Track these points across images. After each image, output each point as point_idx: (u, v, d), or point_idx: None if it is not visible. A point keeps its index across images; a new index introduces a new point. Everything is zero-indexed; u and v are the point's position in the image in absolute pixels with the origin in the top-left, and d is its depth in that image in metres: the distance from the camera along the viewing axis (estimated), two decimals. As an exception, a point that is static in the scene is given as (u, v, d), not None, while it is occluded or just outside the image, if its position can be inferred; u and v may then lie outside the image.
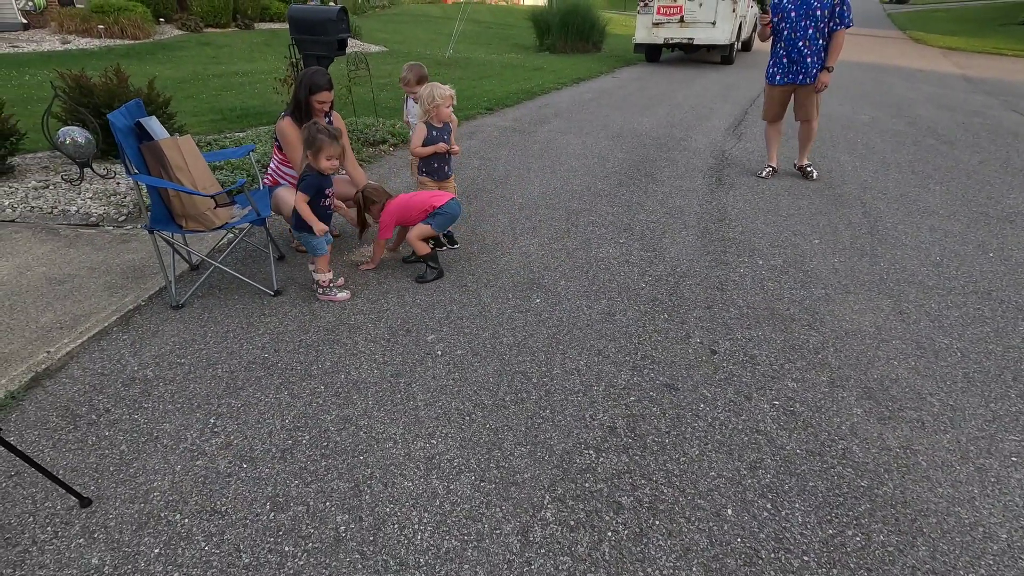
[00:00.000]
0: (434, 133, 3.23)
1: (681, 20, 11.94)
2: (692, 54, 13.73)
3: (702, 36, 11.93)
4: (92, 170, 4.40)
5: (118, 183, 4.37)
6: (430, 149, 3.25)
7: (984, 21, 22.92)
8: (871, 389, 2.28)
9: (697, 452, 1.94)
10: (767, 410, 2.15)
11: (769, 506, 1.74)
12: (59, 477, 1.67)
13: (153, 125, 2.66)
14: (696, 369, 2.39)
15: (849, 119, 7.41)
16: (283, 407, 2.14)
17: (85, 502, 1.71)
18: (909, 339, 2.63)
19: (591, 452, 1.94)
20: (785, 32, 4.52)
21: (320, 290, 2.91)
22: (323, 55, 4.94)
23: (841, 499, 1.77)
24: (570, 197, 4.49)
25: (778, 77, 4.71)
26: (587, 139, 6.25)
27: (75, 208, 3.94)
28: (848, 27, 4.38)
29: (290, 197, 3.04)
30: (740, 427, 2.06)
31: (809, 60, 4.51)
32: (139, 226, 3.73)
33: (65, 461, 1.88)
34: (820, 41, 4.45)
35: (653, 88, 9.63)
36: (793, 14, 4.43)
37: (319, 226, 2.73)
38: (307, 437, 1.99)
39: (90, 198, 4.09)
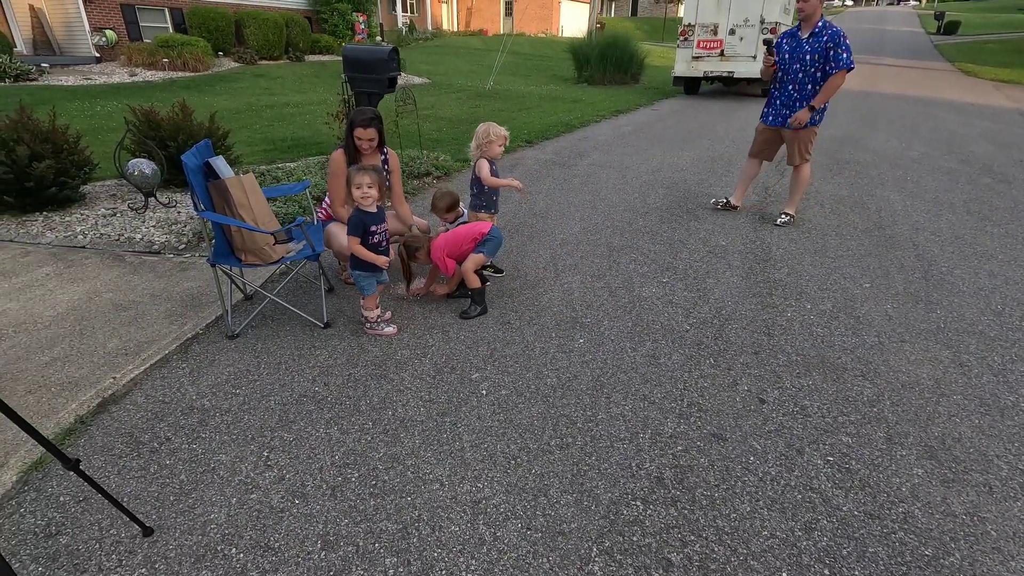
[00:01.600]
0: (495, 167, 3.37)
1: (721, 54, 12.00)
2: (731, 87, 13.72)
3: (742, 70, 11.93)
4: (156, 199, 4.66)
5: (179, 212, 4.60)
6: (505, 182, 3.37)
7: (1039, 53, 22.18)
8: (932, 448, 2.19)
9: (748, 508, 1.90)
10: (821, 466, 2.09)
11: (827, 572, 1.68)
12: (125, 506, 1.74)
13: (220, 165, 2.82)
14: (744, 419, 2.34)
15: (898, 155, 7.25)
16: (333, 443, 2.18)
17: (148, 531, 1.77)
18: (971, 395, 2.52)
19: (639, 503, 1.91)
20: (779, 74, 4.40)
21: (368, 324, 2.99)
22: (374, 92, 5.16)
23: (904, 569, 1.69)
24: (611, 233, 4.50)
25: (769, 117, 4.59)
26: (627, 174, 6.28)
27: (139, 236, 4.16)
28: (848, 69, 4.09)
29: (341, 233, 3.16)
30: (792, 483, 2.00)
31: (798, 105, 4.34)
32: (197, 255, 3.92)
33: (129, 488, 1.97)
34: (810, 87, 4.24)
35: (692, 121, 9.64)
36: (787, 56, 4.30)
37: (382, 260, 2.78)
38: (356, 475, 2.03)
39: (153, 226, 4.32)
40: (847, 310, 3.28)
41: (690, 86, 13.31)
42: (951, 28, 32.23)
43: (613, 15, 42.79)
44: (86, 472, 1.63)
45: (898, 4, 70.64)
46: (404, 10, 26.63)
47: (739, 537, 1.79)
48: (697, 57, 12.27)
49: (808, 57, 4.17)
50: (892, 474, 2.06)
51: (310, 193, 3.40)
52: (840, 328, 3.08)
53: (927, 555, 1.74)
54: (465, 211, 3.72)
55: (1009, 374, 2.67)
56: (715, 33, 11.94)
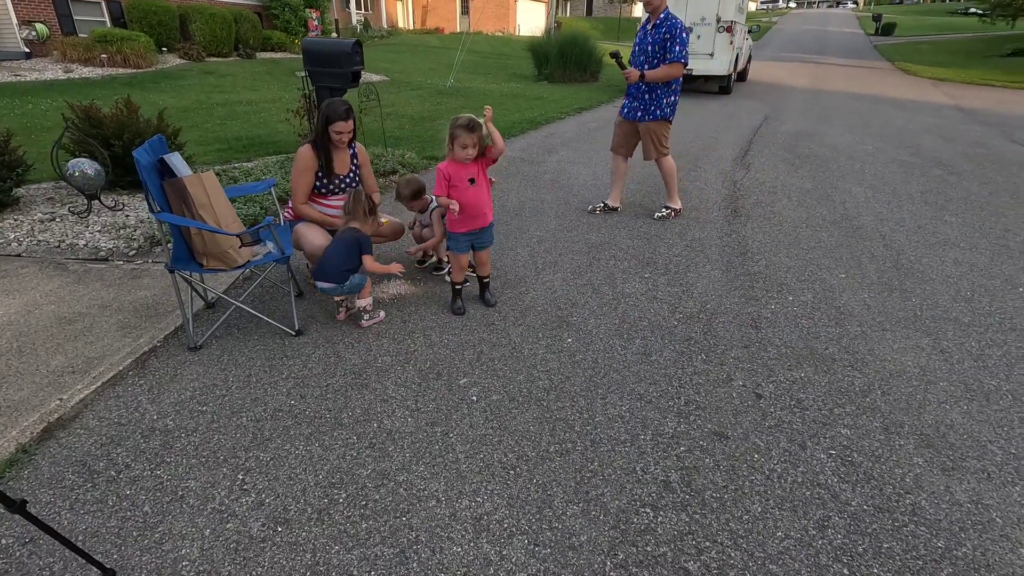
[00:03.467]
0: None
1: (680, 51, 12.15)
2: (690, 84, 13.94)
3: (701, 67, 12.11)
4: (100, 202, 4.31)
5: (127, 215, 4.27)
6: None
7: (970, 53, 23.53)
8: (928, 436, 2.19)
9: (760, 509, 1.83)
10: (825, 460, 2.05)
11: (846, 571, 1.63)
12: (79, 546, 1.54)
13: (176, 161, 2.58)
14: (744, 415, 2.29)
15: (853, 149, 7.48)
16: (315, 461, 2.01)
17: (108, 573, 1.57)
18: (956, 381, 2.55)
19: (648, 510, 1.83)
20: (631, 66, 4.32)
21: (366, 316, 2.92)
22: (336, 87, 4.93)
23: (921, 563, 1.66)
24: (587, 229, 4.43)
25: (625, 110, 4.53)
26: (596, 169, 6.24)
27: (83, 242, 3.83)
28: (682, 63, 4.07)
29: (311, 233, 2.97)
30: (800, 480, 1.96)
31: (647, 97, 4.31)
32: (151, 261, 3.63)
33: (84, 525, 1.75)
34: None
35: (655, 118, 9.71)
36: (636, 48, 4.33)
37: (396, 267, 2.90)
38: (344, 495, 1.87)
39: (99, 231, 3.99)
40: (827, 300, 3.30)
41: (650, 84, 13.45)
42: (888, 29, 33.84)
43: (569, 15, 43.11)
44: (33, 512, 1.42)
45: (837, 7, 73.89)
46: (358, 7, 26.04)
47: (754, 540, 1.72)
48: (656, 55, 12.39)
49: (650, 48, 4.17)
50: (894, 465, 2.04)
51: (275, 192, 3.17)
52: (823, 319, 3.09)
53: (940, 547, 1.72)
54: (434, 199, 3.52)
55: (987, 359, 2.72)
56: (673, 31, 12.08)
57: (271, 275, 3.37)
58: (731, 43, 11.81)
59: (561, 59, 15.11)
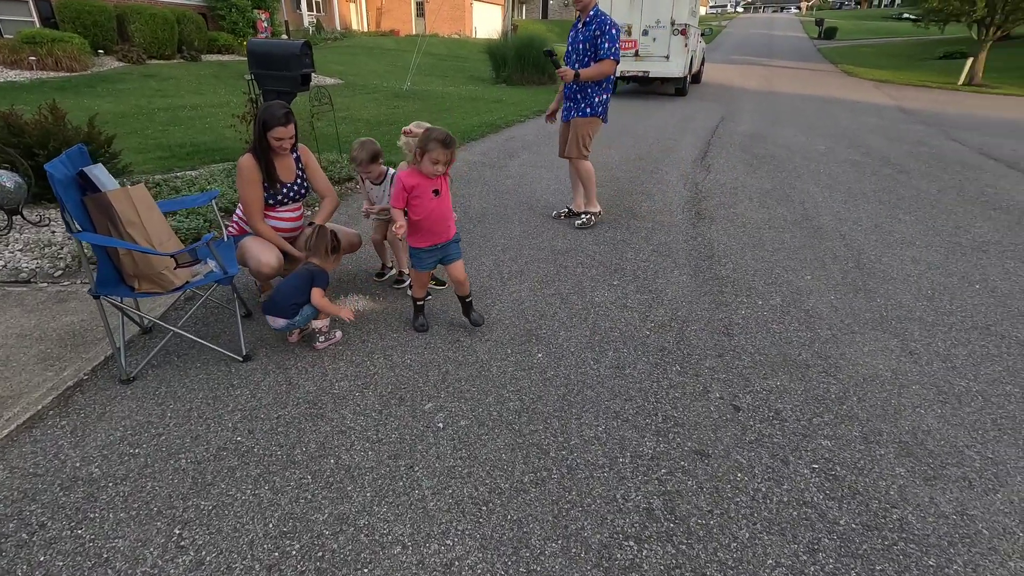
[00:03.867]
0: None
1: (636, 54, 12.25)
2: (646, 86, 14.10)
3: (657, 69, 12.26)
4: (23, 217, 3.93)
5: (53, 232, 3.91)
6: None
7: (906, 56, 24.75)
8: (907, 444, 2.15)
9: (747, 535, 1.74)
10: (808, 476, 1.98)
11: (842, 600, 1.54)
12: (-22, 633, 1.30)
13: (99, 174, 2.32)
14: (723, 430, 2.20)
15: (807, 149, 7.64)
16: (264, 507, 1.81)
17: (14, 664, 1.33)
18: (928, 383, 2.54)
19: (632, 544, 1.70)
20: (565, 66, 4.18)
21: (321, 337, 2.71)
22: (285, 91, 4.67)
23: (915, 585, 1.59)
24: (553, 236, 4.32)
25: (562, 112, 4.45)
26: (559, 173, 6.15)
27: (2, 263, 3.47)
28: (614, 60, 3.96)
29: (257, 248, 2.74)
30: (785, 499, 1.87)
31: (579, 96, 4.21)
32: (79, 282, 3.31)
33: (-13, 603, 1.50)
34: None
35: (613, 120, 9.70)
36: (569, 47, 4.23)
37: (347, 312, 2.69)
38: (297, 546, 1.67)
39: (20, 250, 3.63)
40: (796, 304, 3.27)
41: (607, 86, 13.53)
42: (830, 33, 35.29)
43: (525, 17, 43.23)
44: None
45: (782, 11, 76.76)
46: (310, 8, 25.38)
47: (745, 570, 1.62)
48: (613, 57, 12.46)
49: (581, 46, 4.07)
50: (877, 477, 1.98)
51: (217, 204, 2.92)
52: (793, 323, 3.05)
53: (932, 566, 1.65)
54: (390, 170, 3.28)
55: (954, 359, 2.73)
56: (629, 34, 12.17)
57: (216, 295, 3.11)
58: (686, 45, 11.98)
59: (519, 61, 15.05)
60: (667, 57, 12.05)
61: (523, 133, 8.54)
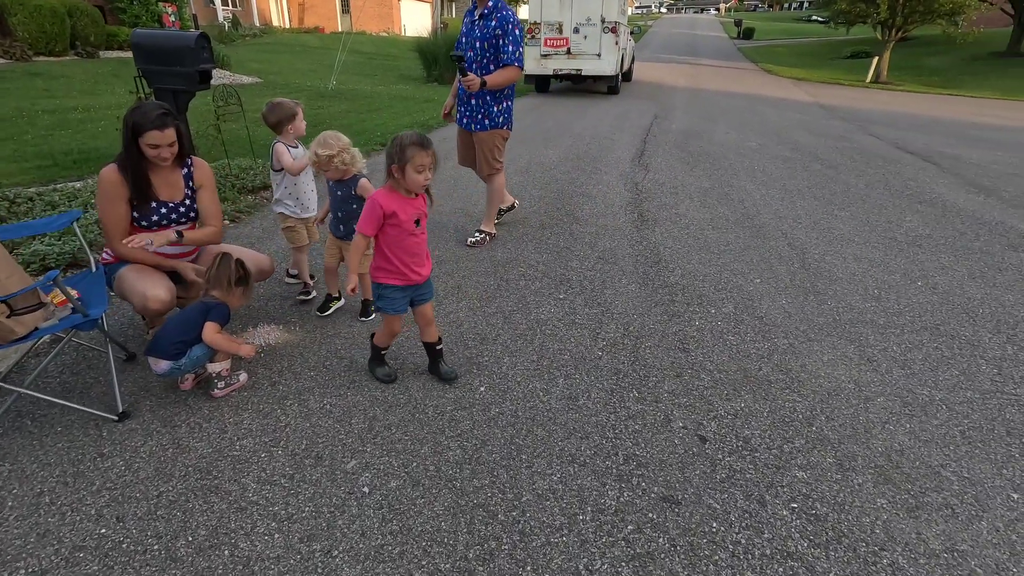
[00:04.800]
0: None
1: (568, 52, 12.15)
2: (579, 84, 14.06)
3: (589, 67, 12.20)
4: None
5: None
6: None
7: (817, 55, 26.22)
8: (883, 468, 1.98)
9: (732, 604, 1.49)
10: (789, 519, 1.76)
11: None
12: None
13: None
14: (691, 467, 1.96)
15: (740, 146, 7.72)
16: (130, 631, 1.38)
17: None
18: (891, 394, 2.41)
19: (601, 632, 1.41)
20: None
21: (220, 383, 2.26)
22: (180, 88, 4.10)
23: (922, 652, 1.39)
24: (492, 244, 4.01)
25: (458, 116, 3.97)
26: (496, 175, 5.84)
27: None
28: (517, 67, 3.54)
29: (141, 280, 2.26)
30: (768, 552, 1.64)
31: (474, 102, 3.70)
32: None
33: None
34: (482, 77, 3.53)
35: (549, 119, 9.55)
36: (464, 39, 3.68)
37: (247, 349, 2.24)
38: None
39: None
40: (748, 310, 3.12)
41: (541, 84, 13.37)
42: (748, 34, 36.98)
43: (454, 15, 42.70)
44: None
45: (702, 12, 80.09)
46: (224, 3, 23.83)
47: (734, 655, 1.37)
48: (545, 55, 12.31)
49: (478, 44, 3.54)
50: (860, 512, 1.79)
51: (79, 227, 2.40)
52: (749, 332, 2.88)
53: (934, 622, 1.46)
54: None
55: (912, 365, 2.64)
56: (560, 31, 12.05)
57: (87, 336, 2.58)
58: (616, 43, 11.98)
59: (450, 60, 14.64)
60: (599, 55, 12.01)
61: (455, 134, 8.16)
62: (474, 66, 3.60)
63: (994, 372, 2.59)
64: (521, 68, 3.57)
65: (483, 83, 3.47)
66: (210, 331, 2.14)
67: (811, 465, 1.99)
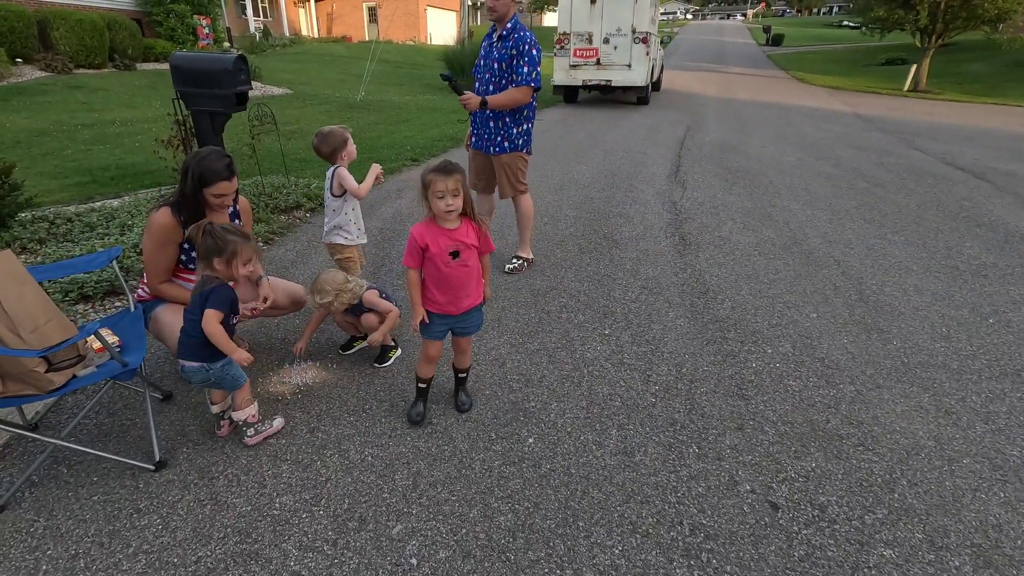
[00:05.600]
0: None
1: (598, 62, 12.01)
2: (608, 95, 13.90)
3: (619, 78, 12.04)
4: None
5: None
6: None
7: (850, 62, 25.55)
8: (981, 547, 1.79)
9: None
10: (881, 610, 1.58)
11: None
12: None
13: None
14: (765, 543, 1.79)
15: (778, 161, 7.47)
16: None
17: None
18: (977, 454, 2.20)
19: None
20: (476, 84, 3.62)
21: (250, 431, 2.13)
22: (218, 111, 4.07)
23: None
24: (530, 271, 3.88)
25: (473, 139, 3.80)
26: (534, 192, 5.71)
27: None
28: (534, 88, 3.42)
29: (176, 322, 2.18)
30: (863, 652, 1.47)
31: (492, 124, 3.60)
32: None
33: None
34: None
35: (579, 131, 9.41)
36: (482, 61, 3.59)
37: (241, 355, 1.97)
38: None
39: None
40: (808, 350, 2.92)
41: (569, 94, 13.24)
42: (777, 40, 36.28)
43: (479, 23, 42.92)
44: None
45: (728, 19, 79.18)
46: (256, 14, 24.31)
47: None
48: (575, 66, 12.19)
49: (496, 65, 3.45)
50: (961, 604, 1.60)
51: (117, 267, 2.34)
52: (812, 377, 2.69)
53: None
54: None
55: (996, 419, 2.42)
56: (590, 42, 11.93)
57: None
58: (647, 54, 11.80)
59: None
60: (629, 66, 11.85)
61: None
62: (491, 87, 3.51)
63: (1091, 430, 2.35)
64: (537, 89, 3.46)
65: (483, 103, 3.39)
66: (209, 321, 1.90)
67: (898, 542, 1.81)
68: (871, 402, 2.52)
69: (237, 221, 2.38)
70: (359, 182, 2.84)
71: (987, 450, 2.23)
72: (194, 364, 1.99)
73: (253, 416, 2.14)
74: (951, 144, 8.96)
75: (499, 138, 3.65)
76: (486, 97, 3.42)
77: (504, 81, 3.48)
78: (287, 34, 25.71)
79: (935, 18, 16.63)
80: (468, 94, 3.43)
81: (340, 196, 2.86)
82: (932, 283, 3.77)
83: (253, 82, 13.15)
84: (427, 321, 2.13)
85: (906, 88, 17.46)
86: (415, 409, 2.33)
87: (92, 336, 1.84)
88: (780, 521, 1.87)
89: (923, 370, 2.77)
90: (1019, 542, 1.81)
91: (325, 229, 2.97)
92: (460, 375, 2.39)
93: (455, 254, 2.03)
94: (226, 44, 18.44)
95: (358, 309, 2.61)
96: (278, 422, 2.24)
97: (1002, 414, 2.45)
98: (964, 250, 4.39)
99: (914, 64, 17.94)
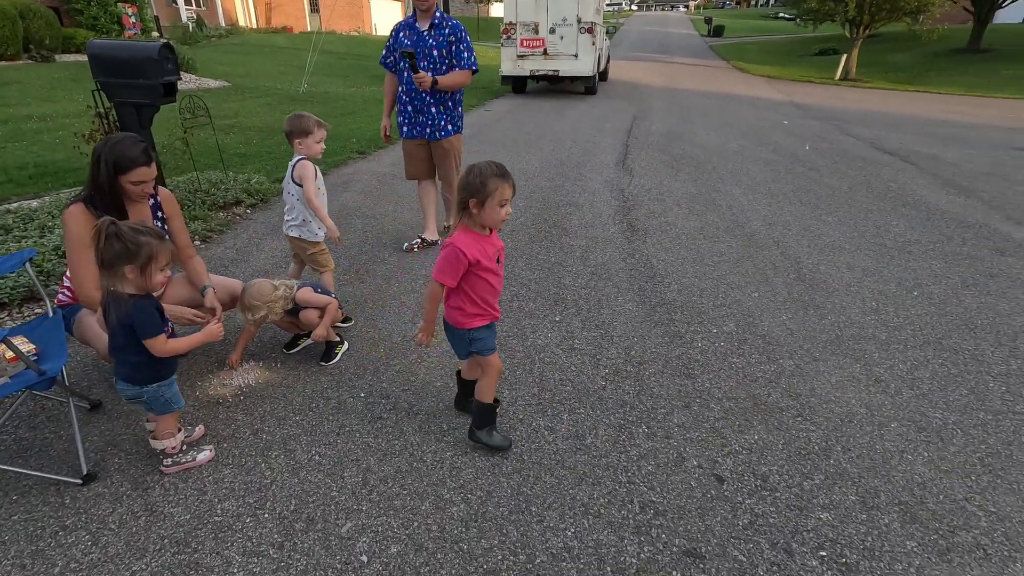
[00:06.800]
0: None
1: (545, 53, 12.03)
2: (556, 85, 13.95)
3: (567, 68, 12.11)
4: None
5: None
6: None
7: (786, 53, 26.58)
8: (908, 505, 1.90)
9: None
10: (819, 570, 1.66)
11: None
12: None
13: None
14: (711, 514, 1.84)
15: (721, 148, 7.69)
16: None
17: None
18: (904, 419, 2.34)
19: None
20: (407, 74, 3.63)
21: (168, 461, 1.96)
22: (144, 103, 3.84)
23: None
24: (480, 261, 3.85)
25: (405, 128, 3.86)
26: (479, 184, 5.68)
27: None
28: (472, 71, 3.67)
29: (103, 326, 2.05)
30: (803, 611, 1.54)
31: (435, 110, 3.72)
32: None
33: None
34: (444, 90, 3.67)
35: (529, 122, 9.41)
36: (416, 52, 3.63)
37: (211, 329, 1.94)
38: None
39: None
40: (750, 328, 3.03)
41: (517, 84, 13.21)
42: (719, 31, 37.35)
43: (426, 14, 42.21)
44: None
45: (671, 10, 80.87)
46: (188, 2, 23.09)
47: None
48: (522, 56, 12.17)
49: (435, 52, 3.61)
50: (891, 559, 1.70)
51: (31, 268, 2.18)
52: (754, 353, 2.79)
53: None
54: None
55: (920, 385, 2.57)
56: (536, 32, 11.93)
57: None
58: (593, 44, 11.91)
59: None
60: (576, 55, 11.93)
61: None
62: (431, 73, 3.60)
63: (1003, 390, 2.54)
64: (475, 72, 3.75)
65: (434, 82, 3.54)
66: (159, 348, 1.73)
67: (834, 504, 1.90)
68: (808, 374, 2.63)
69: (159, 214, 2.24)
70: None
71: (912, 414, 2.37)
72: (124, 387, 1.85)
73: (172, 448, 1.95)
74: (879, 130, 9.45)
75: (443, 121, 3.78)
76: (436, 77, 3.57)
77: (444, 67, 3.64)
78: (223, 24, 24.55)
79: (862, 9, 17.47)
80: (423, 73, 3.52)
81: (300, 186, 2.75)
82: (863, 260, 3.98)
83: (187, 75, 12.52)
84: (432, 333, 2.00)
85: (837, 77, 18.32)
86: (499, 436, 2.11)
87: (2, 344, 1.70)
88: (725, 493, 1.94)
89: (855, 342, 2.92)
90: (942, 498, 1.94)
91: (287, 220, 2.86)
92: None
93: (498, 259, 1.94)
94: (155, 34, 17.45)
95: (295, 309, 2.53)
96: (204, 455, 2.01)
97: (925, 379, 2.61)
98: (891, 228, 4.65)
99: (844, 54, 18.83)
